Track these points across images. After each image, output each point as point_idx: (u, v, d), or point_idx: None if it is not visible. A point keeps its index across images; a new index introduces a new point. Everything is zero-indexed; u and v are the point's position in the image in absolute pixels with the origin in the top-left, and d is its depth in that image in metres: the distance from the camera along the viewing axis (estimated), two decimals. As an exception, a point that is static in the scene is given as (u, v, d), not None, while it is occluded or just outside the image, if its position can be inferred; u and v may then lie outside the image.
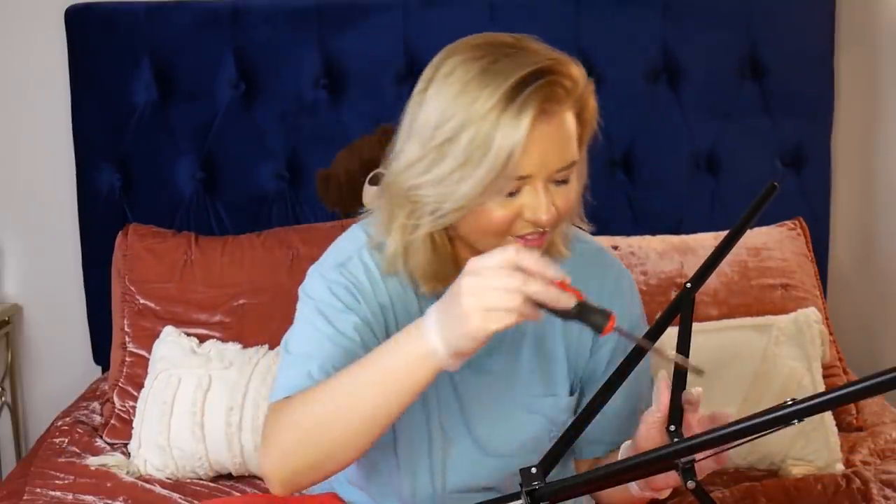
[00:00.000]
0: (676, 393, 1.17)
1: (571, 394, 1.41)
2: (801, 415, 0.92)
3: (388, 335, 1.30)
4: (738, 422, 0.96)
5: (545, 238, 1.26)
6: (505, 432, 1.38)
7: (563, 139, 1.21)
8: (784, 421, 0.93)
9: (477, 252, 1.27)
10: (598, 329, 1.05)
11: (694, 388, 1.18)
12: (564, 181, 1.23)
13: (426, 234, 1.27)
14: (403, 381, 1.10)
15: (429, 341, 1.08)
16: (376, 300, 1.32)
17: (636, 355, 1.19)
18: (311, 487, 1.66)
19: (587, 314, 1.05)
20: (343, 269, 1.32)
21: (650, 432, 1.21)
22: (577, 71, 1.23)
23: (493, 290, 1.04)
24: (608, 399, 1.17)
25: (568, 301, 1.04)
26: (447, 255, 1.31)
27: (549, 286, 1.04)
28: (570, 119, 1.22)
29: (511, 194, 1.21)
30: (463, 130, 1.18)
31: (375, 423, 1.14)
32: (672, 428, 1.16)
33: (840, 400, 0.90)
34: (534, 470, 1.05)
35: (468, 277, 1.05)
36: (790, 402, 0.92)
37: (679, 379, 1.17)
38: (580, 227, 1.39)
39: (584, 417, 1.14)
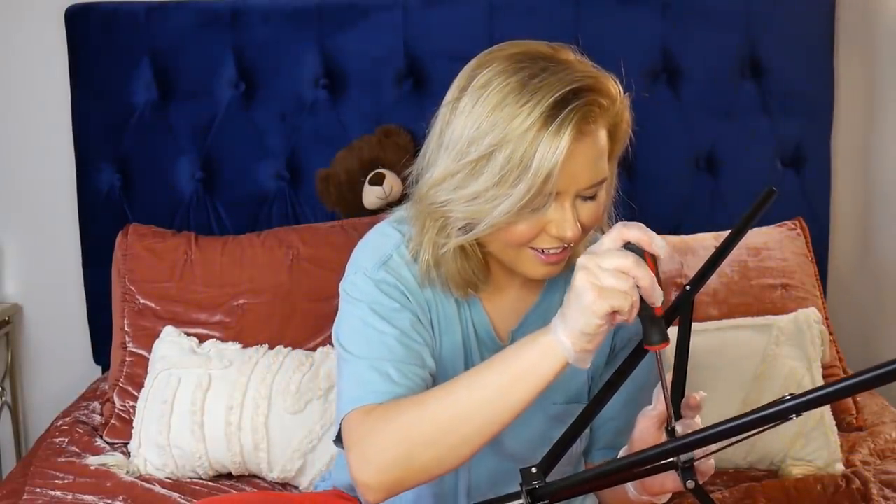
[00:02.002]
0: (676, 393, 1.16)
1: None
2: (800, 409, 0.91)
3: (432, 331, 1.32)
4: (736, 418, 0.95)
5: (567, 253, 1.25)
6: (524, 437, 1.38)
7: (595, 157, 1.20)
8: (782, 416, 0.92)
9: (498, 260, 1.28)
10: (650, 342, 1.08)
11: (697, 392, 1.17)
12: (592, 197, 1.23)
13: (457, 245, 1.26)
14: (531, 378, 1.10)
15: (555, 335, 1.08)
16: (423, 296, 1.32)
17: (638, 355, 1.19)
18: (318, 485, 1.67)
19: (651, 323, 1.08)
20: (387, 267, 1.30)
21: (646, 431, 1.20)
22: (614, 88, 1.22)
23: (605, 270, 1.05)
24: (607, 400, 1.16)
25: (657, 298, 1.06)
26: (478, 262, 1.30)
27: (653, 277, 1.06)
28: (602, 136, 1.21)
29: (535, 210, 1.20)
30: (500, 148, 1.16)
31: (497, 424, 1.13)
32: (671, 427, 1.16)
33: (837, 394, 0.89)
34: (534, 469, 1.04)
35: (584, 257, 1.07)
36: (788, 398, 0.92)
37: (679, 380, 1.17)
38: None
39: (584, 418, 1.14)
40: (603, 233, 1.34)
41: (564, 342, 1.07)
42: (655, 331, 1.08)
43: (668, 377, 1.14)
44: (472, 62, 1.24)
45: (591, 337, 1.07)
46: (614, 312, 1.06)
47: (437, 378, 1.28)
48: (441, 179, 1.22)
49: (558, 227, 1.21)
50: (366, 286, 1.29)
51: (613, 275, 1.05)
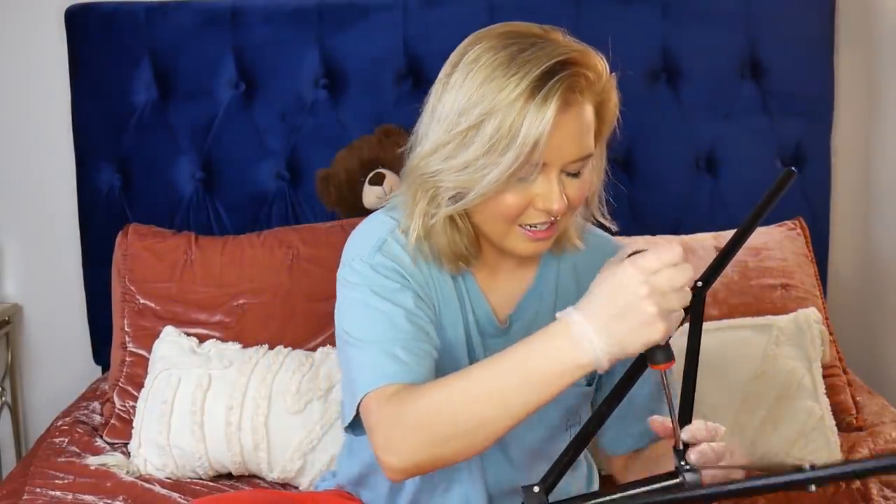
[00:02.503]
0: (687, 394, 1.15)
1: (589, 384, 1.42)
2: (819, 482, 0.93)
3: (433, 309, 1.33)
4: (753, 478, 0.97)
5: (554, 229, 1.27)
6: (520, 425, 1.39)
7: (581, 130, 1.22)
8: (801, 485, 0.94)
9: (486, 234, 1.29)
10: (654, 361, 1.05)
11: (717, 427, 1.14)
12: (577, 173, 1.25)
13: (446, 217, 1.28)
14: (557, 384, 1.09)
15: (586, 353, 1.06)
16: (421, 275, 1.33)
17: (639, 370, 1.18)
18: (319, 484, 1.68)
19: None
20: (383, 251, 1.32)
21: (661, 445, 1.21)
22: (600, 64, 1.25)
23: (671, 292, 1.04)
24: (607, 417, 1.14)
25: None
26: (468, 236, 1.32)
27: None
28: (588, 111, 1.23)
29: (522, 179, 1.22)
30: (488, 118, 1.19)
31: (521, 416, 1.13)
32: (680, 449, 1.12)
33: (861, 472, 0.92)
34: (536, 488, 1.03)
35: (643, 285, 1.04)
36: (808, 468, 0.93)
37: (689, 378, 1.15)
38: (603, 225, 1.39)
39: (584, 436, 1.12)
40: (594, 220, 1.36)
41: (601, 362, 1.06)
42: (660, 349, 1.05)
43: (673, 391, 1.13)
44: (465, 41, 1.28)
45: (631, 354, 1.07)
46: None
47: (440, 354, 1.29)
48: (432, 150, 1.25)
49: (544, 200, 1.23)
50: (363, 270, 1.31)
51: (678, 296, 1.04)
